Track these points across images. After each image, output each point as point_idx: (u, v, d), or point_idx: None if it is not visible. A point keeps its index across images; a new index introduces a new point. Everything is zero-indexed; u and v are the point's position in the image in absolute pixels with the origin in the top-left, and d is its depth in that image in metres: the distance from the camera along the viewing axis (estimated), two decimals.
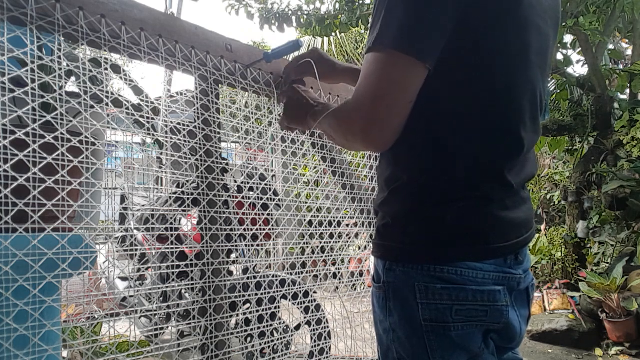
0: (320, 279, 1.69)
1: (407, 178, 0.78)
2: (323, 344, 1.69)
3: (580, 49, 4.10)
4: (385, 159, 0.82)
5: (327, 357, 1.67)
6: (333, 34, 5.16)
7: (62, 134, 1.00)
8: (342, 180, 1.77)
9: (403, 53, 0.69)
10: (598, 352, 3.30)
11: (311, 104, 1.00)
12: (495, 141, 0.76)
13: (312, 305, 1.79)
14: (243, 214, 1.51)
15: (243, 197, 1.56)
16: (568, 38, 4.17)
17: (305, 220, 1.62)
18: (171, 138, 1.25)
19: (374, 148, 0.78)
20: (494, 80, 0.75)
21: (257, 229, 1.52)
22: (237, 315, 1.49)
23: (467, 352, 0.76)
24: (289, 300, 1.61)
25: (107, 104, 1.11)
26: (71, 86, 1.13)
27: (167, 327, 2.05)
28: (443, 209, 0.75)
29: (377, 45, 0.70)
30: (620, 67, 5.18)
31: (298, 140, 1.60)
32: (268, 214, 1.60)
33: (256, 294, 1.43)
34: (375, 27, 0.72)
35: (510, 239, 0.78)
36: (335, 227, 1.69)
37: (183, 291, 1.95)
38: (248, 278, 1.45)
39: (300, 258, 1.58)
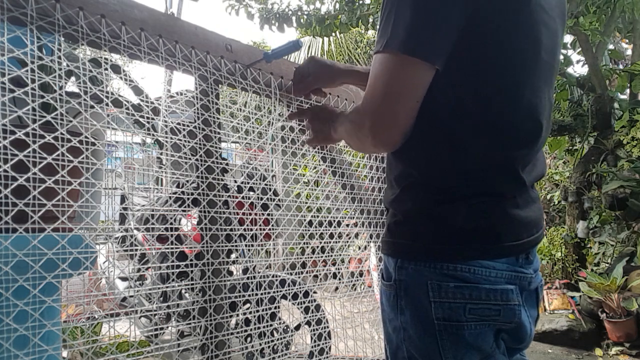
0: (320, 279, 1.69)
1: (419, 175, 0.78)
2: (323, 344, 1.69)
3: (580, 49, 4.10)
4: (396, 157, 0.82)
5: (327, 357, 1.67)
6: (333, 34, 5.16)
7: (62, 134, 1.00)
8: (342, 180, 1.77)
9: (410, 55, 0.70)
10: (598, 352, 3.30)
11: (331, 119, 1.01)
12: (508, 138, 0.76)
13: (312, 305, 1.79)
14: (243, 214, 1.51)
15: (243, 197, 1.56)
16: (568, 38, 4.18)
17: (305, 220, 1.62)
18: (171, 138, 1.25)
19: (383, 148, 0.78)
20: (505, 78, 0.75)
21: (257, 229, 1.52)
22: (237, 315, 1.49)
23: (479, 351, 0.76)
24: (289, 300, 1.61)
25: (107, 104, 1.11)
26: (71, 86, 1.13)
27: (167, 327, 2.05)
28: (456, 207, 0.75)
29: (386, 48, 0.72)
30: (620, 67, 5.18)
31: (298, 140, 1.60)
32: (268, 214, 1.60)
33: (256, 294, 1.43)
34: (383, 29, 0.73)
35: (522, 237, 0.78)
36: (335, 227, 1.69)
37: (183, 291, 1.95)
38: (248, 278, 1.45)
39: (300, 258, 1.58)
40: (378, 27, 0.76)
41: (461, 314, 0.73)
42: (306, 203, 1.69)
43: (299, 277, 1.64)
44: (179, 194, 1.49)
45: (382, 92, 0.72)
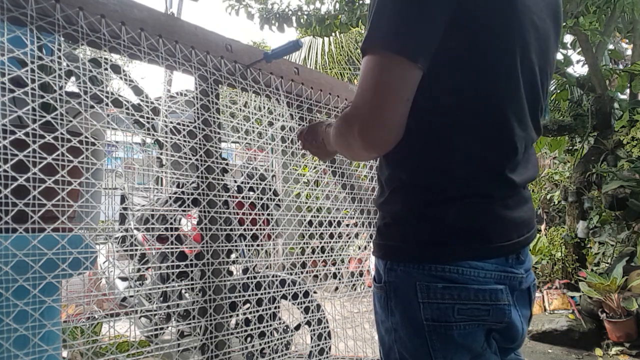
0: (320, 279, 1.69)
1: (407, 178, 0.78)
2: (323, 344, 1.69)
3: (580, 49, 4.10)
4: (385, 160, 0.82)
5: (327, 357, 1.67)
6: (333, 34, 5.16)
7: (62, 134, 1.00)
8: (342, 180, 1.77)
9: (394, 54, 0.69)
10: (598, 352, 3.30)
11: (320, 135, 0.99)
12: (494, 140, 0.76)
13: (312, 305, 1.79)
14: (243, 214, 1.51)
15: (243, 197, 1.56)
16: (568, 38, 4.17)
17: (305, 220, 1.62)
18: (171, 138, 1.25)
19: (373, 150, 0.75)
20: (491, 80, 0.75)
21: (257, 229, 1.52)
22: (237, 315, 1.49)
23: (470, 351, 0.76)
24: (289, 300, 1.61)
25: (107, 104, 1.11)
26: (71, 86, 1.13)
27: (167, 327, 2.05)
28: (444, 208, 0.75)
29: (370, 47, 0.71)
30: (620, 67, 5.18)
31: (298, 140, 1.60)
32: (268, 214, 1.60)
33: (256, 294, 1.43)
34: (369, 29, 0.73)
35: (512, 238, 0.78)
36: (335, 227, 1.69)
37: (183, 291, 1.95)
38: (248, 278, 1.45)
39: (300, 258, 1.58)
40: (366, 27, 0.75)
41: (450, 314, 0.74)
42: (306, 203, 1.69)
43: (299, 277, 1.64)
44: (179, 194, 1.49)
45: (369, 92, 0.71)
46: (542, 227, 5.20)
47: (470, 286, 0.74)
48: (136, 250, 1.65)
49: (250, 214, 1.52)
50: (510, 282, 0.78)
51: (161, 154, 1.33)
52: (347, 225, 1.83)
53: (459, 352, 0.75)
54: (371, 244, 2.03)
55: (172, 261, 1.24)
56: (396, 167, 0.80)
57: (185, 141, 1.24)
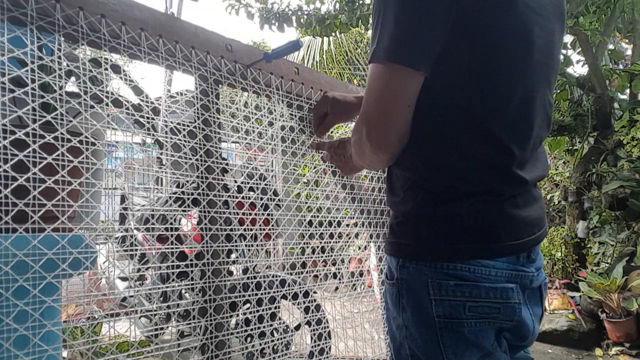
0: (320, 279, 1.69)
1: (416, 177, 0.80)
2: (323, 344, 1.69)
3: (580, 49, 4.10)
4: (395, 161, 0.83)
5: (327, 357, 1.67)
6: (333, 34, 5.16)
7: (62, 134, 1.00)
8: (342, 180, 1.77)
9: (398, 64, 0.73)
10: (598, 352, 3.30)
11: (348, 147, 1.04)
12: (501, 138, 0.77)
13: (312, 305, 1.79)
14: (243, 214, 1.51)
15: (243, 197, 1.56)
16: (568, 38, 4.18)
17: (305, 220, 1.62)
18: (171, 138, 1.25)
19: (382, 153, 0.79)
20: (496, 79, 0.75)
21: (257, 229, 1.52)
22: (237, 315, 1.49)
23: (480, 349, 0.77)
24: (289, 300, 1.61)
25: (107, 104, 1.11)
26: (71, 86, 1.13)
27: (167, 327, 2.05)
28: (454, 207, 0.76)
29: (375, 57, 0.75)
30: (620, 67, 5.18)
31: (298, 140, 1.60)
32: (268, 214, 1.60)
33: (256, 294, 1.43)
34: (372, 39, 0.76)
35: (523, 237, 0.79)
36: (335, 227, 1.69)
37: (183, 291, 1.95)
38: (248, 278, 1.45)
39: (300, 258, 1.58)
40: (371, 33, 0.78)
41: (461, 311, 0.75)
42: (306, 203, 1.69)
43: (299, 277, 1.64)
44: (179, 194, 1.49)
45: (374, 100, 0.75)
46: None
47: (481, 284, 0.75)
48: (136, 250, 1.65)
49: (251, 214, 1.52)
50: (521, 281, 0.79)
51: (161, 154, 1.33)
52: (347, 225, 1.83)
53: (469, 349, 0.76)
54: (371, 244, 2.04)
55: (172, 261, 1.24)
56: (406, 167, 0.81)
57: (185, 141, 1.24)
